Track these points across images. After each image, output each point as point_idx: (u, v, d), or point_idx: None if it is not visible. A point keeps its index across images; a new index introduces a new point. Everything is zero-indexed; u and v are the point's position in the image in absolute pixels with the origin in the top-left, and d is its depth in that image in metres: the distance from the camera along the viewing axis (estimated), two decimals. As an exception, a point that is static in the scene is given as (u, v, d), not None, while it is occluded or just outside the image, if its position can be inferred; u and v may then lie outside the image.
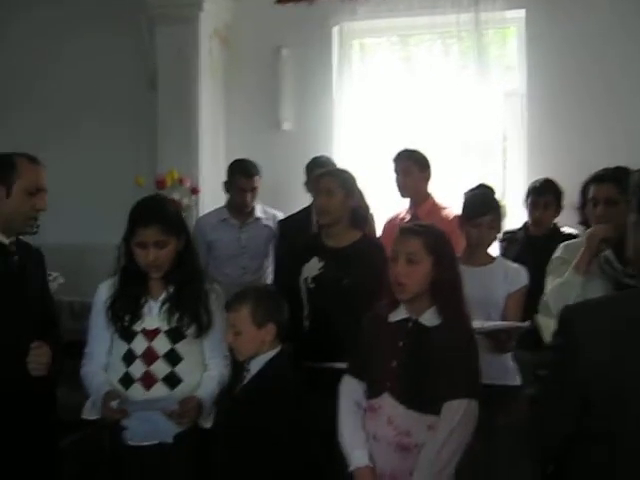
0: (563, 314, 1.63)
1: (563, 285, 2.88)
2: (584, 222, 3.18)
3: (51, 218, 4.46)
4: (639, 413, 1.50)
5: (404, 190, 4.08)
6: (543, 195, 3.89)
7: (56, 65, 5.47)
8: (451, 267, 2.46)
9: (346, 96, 5.11)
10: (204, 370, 2.75)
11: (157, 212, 2.67)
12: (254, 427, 2.49)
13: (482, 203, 3.28)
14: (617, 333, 1.54)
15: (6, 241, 2.59)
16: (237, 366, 2.70)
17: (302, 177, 4.32)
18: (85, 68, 5.38)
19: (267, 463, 2.47)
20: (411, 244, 2.44)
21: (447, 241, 2.52)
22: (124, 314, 2.69)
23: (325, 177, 3.40)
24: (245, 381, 2.62)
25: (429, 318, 2.44)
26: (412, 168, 4.03)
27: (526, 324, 3.00)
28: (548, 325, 2.78)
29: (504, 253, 3.80)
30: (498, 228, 3.31)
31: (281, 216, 4.41)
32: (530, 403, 1.80)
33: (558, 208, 3.90)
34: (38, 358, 2.56)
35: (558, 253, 3.13)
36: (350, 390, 2.55)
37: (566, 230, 3.87)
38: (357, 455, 2.43)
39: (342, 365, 3.08)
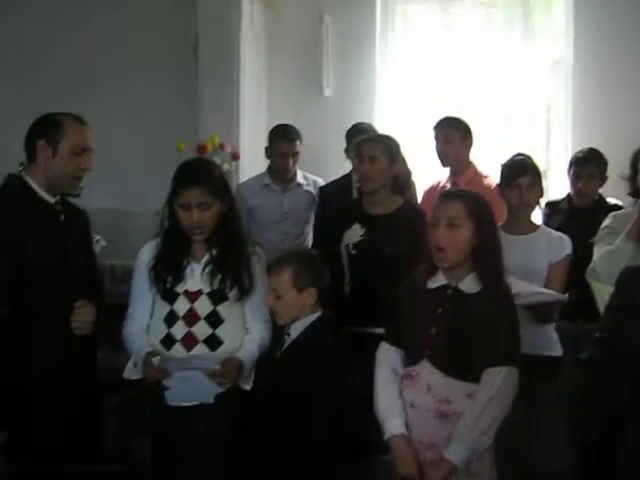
0: (623, 275, 1.61)
1: (614, 252, 2.85)
2: (634, 193, 3.13)
3: (93, 182, 4.50)
4: None
5: (445, 158, 4.04)
6: (586, 166, 3.81)
7: (96, 31, 5.47)
8: (492, 234, 2.43)
9: (388, 63, 5.07)
10: (245, 333, 2.76)
11: (201, 174, 2.68)
12: (294, 390, 2.50)
13: (519, 165, 3.24)
14: None
15: (51, 200, 2.61)
16: (278, 330, 2.71)
17: (342, 144, 4.30)
18: (126, 34, 5.38)
19: (306, 426, 2.49)
20: (452, 208, 2.41)
21: (488, 207, 2.49)
22: (167, 275, 2.70)
23: (369, 143, 3.39)
24: (285, 345, 2.63)
25: (468, 285, 2.42)
26: (453, 136, 3.98)
27: (566, 296, 2.97)
28: (601, 290, 2.76)
29: (547, 223, 3.75)
30: (539, 191, 3.25)
31: (322, 182, 4.40)
32: (576, 369, 1.74)
33: (602, 179, 3.82)
34: (82, 317, 2.60)
35: (607, 222, 3.10)
36: (387, 357, 2.54)
37: (612, 201, 3.81)
38: (392, 423, 2.43)
39: (380, 330, 3.12)
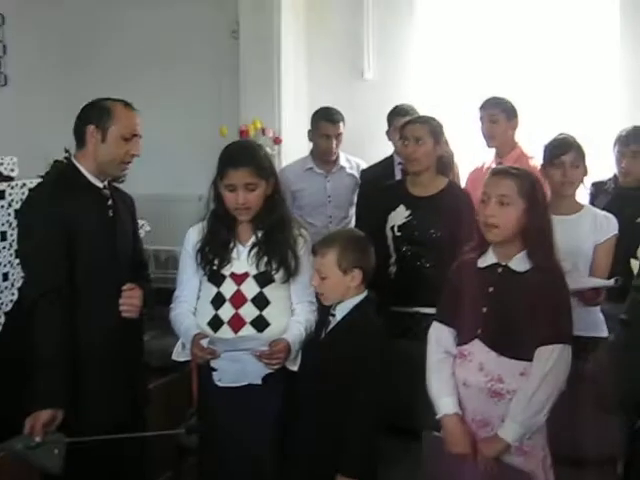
0: None
1: None
2: None
3: (136, 168, 4.56)
4: None
5: (490, 139, 3.99)
6: (629, 144, 3.70)
7: (138, 15, 5.52)
8: (543, 212, 2.40)
9: (429, 44, 5.00)
10: (291, 315, 2.76)
11: (248, 155, 2.68)
12: (339, 371, 2.51)
13: (561, 143, 3.21)
14: None
15: (100, 185, 2.64)
16: (323, 311, 2.71)
17: (383, 126, 4.28)
18: (167, 18, 5.42)
19: (351, 407, 2.49)
20: (504, 186, 2.38)
21: (540, 186, 2.47)
22: (213, 258, 2.71)
23: (414, 125, 3.38)
24: (330, 326, 2.63)
25: (519, 263, 2.40)
26: (499, 116, 3.94)
27: (611, 282, 2.92)
28: None
29: (593, 204, 3.69)
30: (583, 169, 3.20)
31: (364, 165, 4.38)
32: (616, 351, 1.70)
33: None
34: (130, 300, 2.62)
35: None
36: (439, 337, 2.54)
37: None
38: (446, 402, 2.43)
39: (427, 310, 3.12)
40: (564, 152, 3.14)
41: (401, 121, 3.77)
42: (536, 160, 3.79)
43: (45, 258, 2.46)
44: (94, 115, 2.58)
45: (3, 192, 3.18)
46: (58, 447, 2.33)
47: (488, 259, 2.45)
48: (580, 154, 3.18)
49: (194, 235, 2.79)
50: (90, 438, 2.36)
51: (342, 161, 4.34)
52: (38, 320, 2.43)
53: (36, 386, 2.40)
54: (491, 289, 2.41)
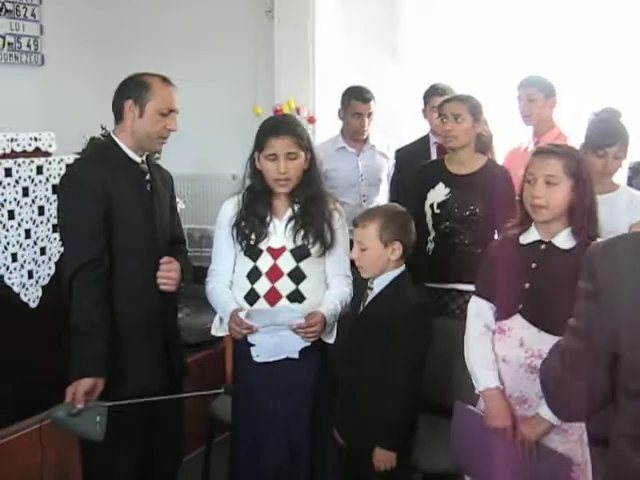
0: (590, 256, 1.49)
1: None
2: None
3: (171, 147, 4.57)
4: None
5: (528, 118, 3.95)
6: None
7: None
8: (589, 190, 2.36)
9: (466, 23, 4.93)
10: (326, 289, 2.77)
11: (289, 124, 2.71)
12: (377, 344, 2.51)
13: (609, 132, 3.14)
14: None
15: (138, 159, 2.65)
16: (361, 285, 2.71)
17: (417, 106, 4.25)
18: (205, 2, 5.43)
19: (389, 381, 2.49)
20: (551, 166, 2.34)
21: (585, 164, 2.42)
22: (250, 232, 2.71)
23: (453, 102, 3.36)
24: (368, 299, 2.63)
25: (563, 240, 2.36)
26: (537, 95, 3.88)
27: None
28: None
29: (630, 184, 3.64)
30: (624, 157, 3.17)
31: (394, 145, 4.36)
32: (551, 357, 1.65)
33: None
34: (168, 273, 2.63)
35: None
36: (480, 311, 2.52)
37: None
38: (487, 376, 2.42)
39: (464, 287, 3.13)
40: (610, 144, 3.09)
41: (438, 100, 3.74)
42: (574, 140, 3.74)
43: (85, 230, 2.48)
44: (132, 90, 2.58)
45: (41, 167, 3.20)
46: (100, 414, 2.34)
47: (531, 236, 2.42)
48: (625, 144, 3.13)
49: (229, 209, 2.79)
50: (130, 401, 2.38)
51: (373, 140, 4.32)
52: (78, 290, 2.45)
53: (77, 355, 2.43)
54: (534, 265, 2.37)
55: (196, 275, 2.94)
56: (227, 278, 2.80)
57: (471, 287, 2.66)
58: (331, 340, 2.73)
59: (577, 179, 2.34)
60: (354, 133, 4.24)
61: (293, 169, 2.66)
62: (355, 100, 4.18)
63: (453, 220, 3.27)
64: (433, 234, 3.34)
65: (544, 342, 2.30)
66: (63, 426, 2.35)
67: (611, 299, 1.42)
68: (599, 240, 1.51)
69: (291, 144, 2.64)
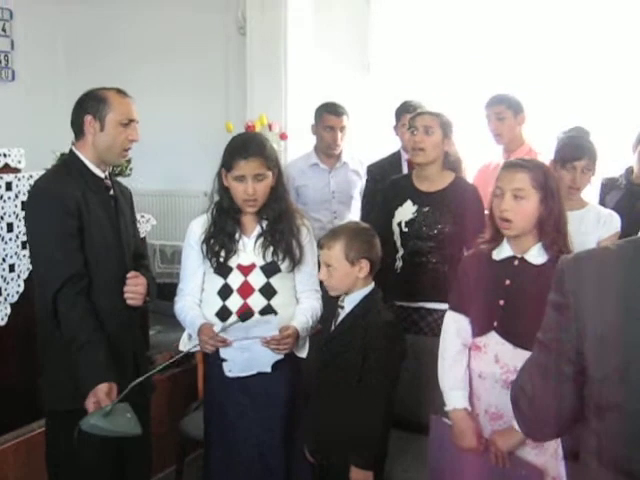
0: (560, 269, 1.48)
1: None
2: None
3: (142, 164, 4.58)
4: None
5: (499, 137, 3.97)
6: None
7: (145, 12, 5.55)
8: (557, 203, 2.37)
9: (437, 40, 5.00)
10: (296, 304, 2.78)
11: (257, 146, 2.68)
12: (348, 362, 2.50)
13: (577, 147, 3.16)
14: (613, 289, 1.39)
15: (102, 175, 2.64)
16: (332, 304, 2.71)
17: (389, 122, 4.28)
18: (174, 15, 5.45)
19: (363, 399, 2.48)
20: (518, 179, 2.35)
21: (553, 177, 2.43)
22: (219, 250, 2.71)
23: (424, 115, 3.35)
24: (339, 318, 2.63)
25: (535, 255, 2.38)
26: (505, 113, 3.90)
27: None
28: None
29: (603, 200, 3.68)
30: (592, 172, 3.19)
31: (367, 160, 4.37)
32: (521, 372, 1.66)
33: None
34: (135, 288, 2.63)
35: None
36: (459, 328, 2.51)
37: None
38: (456, 396, 2.43)
39: (432, 305, 3.14)
40: (577, 158, 3.11)
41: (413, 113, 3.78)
42: (544, 156, 3.78)
43: (64, 244, 2.47)
44: (90, 105, 2.58)
45: (10, 184, 3.19)
46: (127, 411, 2.30)
47: (504, 252, 2.43)
48: (593, 159, 3.15)
49: (197, 228, 2.79)
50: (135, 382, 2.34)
51: (345, 157, 4.32)
52: (66, 305, 2.44)
53: (86, 365, 2.41)
54: (508, 282, 2.38)
55: (168, 292, 2.93)
56: (196, 297, 2.80)
57: (439, 305, 2.68)
58: (303, 354, 2.74)
59: (545, 192, 2.35)
60: (327, 147, 4.25)
61: (261, 190, 2.67)
62: (327, 113, 4.18)
63: (421, 238, 3.25)
64: (401, 252, 3.32)
65: (520, 358, 2.29)
66: (102, 429, 2.26)
67: (577, 311, 1.42)
68: (565, 258, 1.51)
69: (259, 166, 2.65)
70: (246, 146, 2.67)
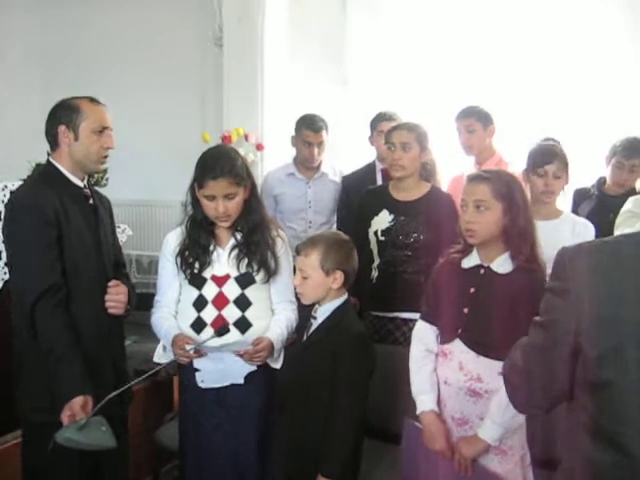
0: (560, 257, 1.60)
1: None
2: None
3: (120, 174, 4.58)
4: (635, 358, 1.46)
5: (469, 149, 4.01)
6: (631, 157, 3.71)
7: (121, 23, 5.55)
8: (522, 213, 2.40)
9: (412, 53, 5.05)
10: (272, 315, 2.79)
11: (227, 165, 2.65)
12: (322, 374, 2.51)
13: (547, 152, 3.19)
14: (611, 276, 1.51)
15: (80, 184, 2.65)
16: (304, 314, 2.72)
17: (365, 133, 4.31)
18: (152, 26, 5.45)
19: (333, 409, 2.49)
20: (479, 191, 2.40)
21: (518, 186, 2.45)
22: (194, 261, 2.73)
23: (401, 131, 3.37)
24: (312, 329, 2.64)
25: (501, 264, 2.41)
26: (475, 126, 3.94)
27: None
28: None
29: (576, 210, 3.73)
30: (565, 178, 3.21)
31: (345, 171, 4.41)
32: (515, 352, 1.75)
33: None
34: (117, 296, 2.63)
35: (628, 207, 3.08)
36: (422, 335, 2.57)
37: (640, 187, 3.76)
38: (423, 399, 2.48)
39: (408, 315, 3.15)
40: (548, 162, 3.12)
41: (385, 125, 3.81)
42: (515, 166, 3.83)
43: (42, 254, 2.46)
44: (63, 115, 2.59)
45: (-16, 194, 3.18)
46: (102, 424, 2.30)
47: (472, 260, 2.48)
48: (563, 164, 3.16)
49: (173, 240, 2.80)
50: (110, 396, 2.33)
51: (325, 168, 4.35)
52: (44, 316, 2.43)
53: (61, 378, 2.40)
54: (472, 290, 2.42)
55: (145, 302, 2.93)
56: (172, 309, 2.81)
57: (414, 315, 2.70)
58: (277, 365, 2.74)
59: (509, 203, 2.38)
60: (304, 161, 4.27)
61: (232, 207, 2.68)
62: (306, 129, 4.20)
63: (397, 247, 3.29)
64: (377, 261, 3.35)
65: (483, 366, 2.37)
66: (77, 442, 2.26)
67: (577, 295, 1.52)
68: (567, 249, 1.62)
69: (228, 185, 2.64)
70: (215, 167, 2.64)
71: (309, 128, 4.18)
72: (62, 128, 2.58)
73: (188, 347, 2.61)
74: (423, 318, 2.60)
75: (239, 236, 2.76)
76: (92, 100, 2.64)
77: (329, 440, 2.48)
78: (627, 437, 1.47)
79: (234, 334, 2.66)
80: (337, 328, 2.57)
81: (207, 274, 2.73)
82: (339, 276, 2.58)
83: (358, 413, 2.51)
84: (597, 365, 1.50)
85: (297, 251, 2.64)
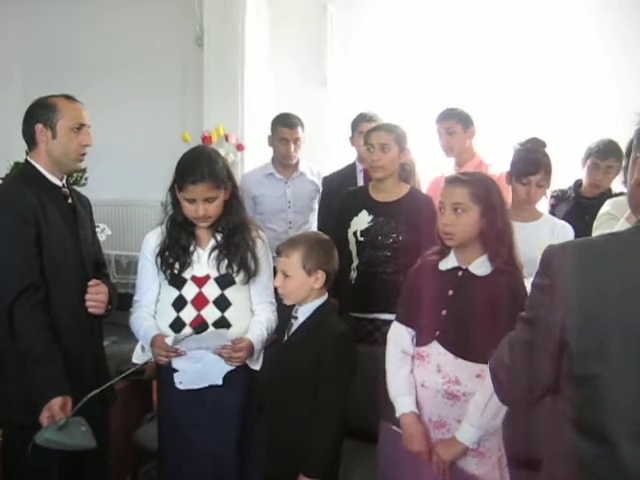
0: (547, 254, 1.62)
1: None
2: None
3: (99, 173, 4.55)
4: (618, 353, 1.50)
5: (449, 150, 4.04)
6: (606, 158, 3.76)
7: (102, 21, 5.51)
8: (500, 216, 2.41)
9: (392, 54, 5.06)
10: (251, 316, 2.79)
11: (207, 169, 2.64)
12: (301, 374, 2.52)
13: (532, 161, 3.18)
14: (596, 274, 1.54)
15: (59, 183, 2.64)
16: (285, 314, 2.73)
17: (345, 134, 4.32)
18: (132, 24, 5.42)
19: (312, 409, 2.50)
20: (456, 194, 2.41)
21: (495, 189, 2.46)
22: (174, 262, 2.72)
23: (379, 132, 3.39)
24: (293, 329, 2.65)
25: (479, 267, 2.43)
26: (455, 128, 3.97)
27: None
28: None
29: (553, 211, 3.76)
30: (547, 185, 3.25)
31: (324, 173, 4.41)
32: (500, 349, 1.78)
33: (618, 171, 3.74)
34: (97, 296, 2.63)
35: (606, 209, 3.11)
36: (398, 338, 2.57)
37: (618, 190, 3.79)
38: (402, 402, 2.48)
39: (388, 316, 3.15)
40: (533, 173, 3.14)
41: (366, 126, 3.82)
42: (495, 168, 3.86)
43: (20, 253, 2.46)
44: (40, 113, 2.58)
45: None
46: (82, 425, 2.31)
47: (449, 262, 2.48)
48: (547, 173, 3.19)
49: (153, 240, 2.80)
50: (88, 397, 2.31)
51: (303, 167, 4.36)
52: (22, 316, 2.42)
53: (40, 379, 2.40)
54: (451, 292, 2.43)
55: (124, 302, 2.92)
56: (151, 309, 2.80)
57: (394, 316, 2.71)
58: (257, 367, 2.74)
59: (486, 205, 2.40)
60: (282, 158, 4.28)
61: (212, 209, 2.68)
62: (281, 126, 4.22)
63: (376, 248, 3.30)
64: (356, 262, 3.36)
65: (461, 369, 2.38)
66: (57, 443, 2.27)
67: (563, 291, 1.56)
68: (553, 246, 1.65)
69: (208, 189, 2.64)
70: (195, 170, 2.63)
71: (284, 125, 4.21)
72: (39, 126, 2.57)
73: (167, 340, 2.61)
74: (398, 320, 2.60)
75: (219, 237, 2.76)
76: (68, 98, 2.64)
77: (310, 440, 2.49)
78: (611, 429, 1.50)
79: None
80: (319, 328, 2.58)
81: (187, 275, 2.73)
82: (321, 276, 2.58)
83: (340, 413, 2.52)
84: (582, 360, 1.54)
85: (278, 252, 2.64)
